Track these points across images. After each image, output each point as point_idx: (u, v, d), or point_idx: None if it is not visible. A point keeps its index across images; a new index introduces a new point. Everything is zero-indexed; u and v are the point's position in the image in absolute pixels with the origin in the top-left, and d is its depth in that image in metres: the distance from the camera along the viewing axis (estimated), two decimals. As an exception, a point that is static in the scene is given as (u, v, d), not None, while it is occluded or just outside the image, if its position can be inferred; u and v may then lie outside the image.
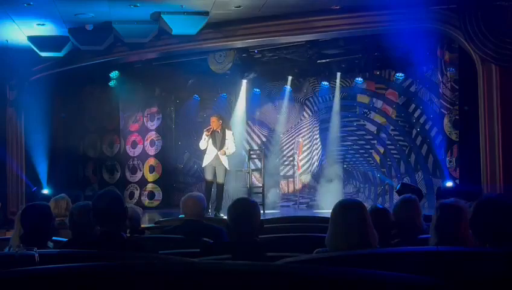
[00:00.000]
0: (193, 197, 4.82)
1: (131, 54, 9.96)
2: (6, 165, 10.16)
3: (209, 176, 9.20)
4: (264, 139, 12.38)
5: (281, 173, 12.22)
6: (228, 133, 9.19)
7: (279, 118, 12.13)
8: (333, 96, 11.56)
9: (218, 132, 9.10)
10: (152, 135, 12.98)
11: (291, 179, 12.05)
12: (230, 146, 9.16)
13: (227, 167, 9.20)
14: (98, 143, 12.94)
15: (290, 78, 11.56)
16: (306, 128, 11.99)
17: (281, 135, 12.20)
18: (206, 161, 9.17)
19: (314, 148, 11.86)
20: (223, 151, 9.04)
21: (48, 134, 10.75)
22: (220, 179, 9.16)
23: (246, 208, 3.35)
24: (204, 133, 9.11)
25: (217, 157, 9.07)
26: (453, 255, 2.53)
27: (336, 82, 11.43)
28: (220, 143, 9.08)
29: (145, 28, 8.40)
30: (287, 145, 12.19)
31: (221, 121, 9.18)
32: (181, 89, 12.62)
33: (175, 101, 12.98)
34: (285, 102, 11.92)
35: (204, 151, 9.24)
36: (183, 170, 12.82)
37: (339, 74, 11.15)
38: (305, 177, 11.93)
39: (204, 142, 9.11)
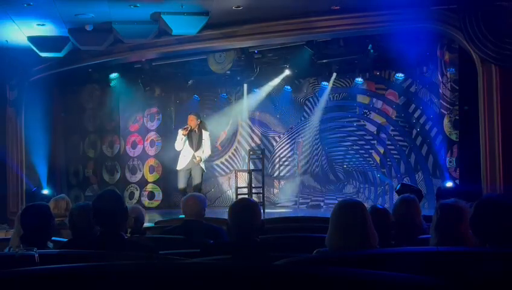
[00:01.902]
0: (194, 197, 4.83)
1: (131, 54, 9.95)
2: (6, 165, 10.15)
3: (182, 184, 8.95)
4: (264, 139, 12.38)
5: (281, 173, 12.22)
6: (205, 133, 8.99)
7: (279, 117, 12.13)
8: (333, 97, 11.56)
9: (195, 131, 8.91)
10: (152, 135, 12.98)
11: (291, 179, 12.04)
12: (206, 148, 8.94)
13: (204, 168, 8.99)
14: (98, 143, 12.94)
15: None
16: (306, 128, 11.99)
17: (281, 135, 12.20)
18: (182, 163, 8.91)
19: (314, 148, 11.87)
20: (198, 158, 8.80)
21: (48, 134, 10.75)
22: (196, 180, 8.88)
23: (247, 208, 3.35)
24: (181, 132, 8.86)
25: (193, 158, 8.86)
26: (453, 255, 2.53)
27: (335, 82, 11.43)
28: (196, 143, 8.88)
29: (145, 28, 8.38)
30: (287, 145, 12.19)
31: (199, 120, 8.99)
32: (181, 89, 12.62)
33: (175, 101, 12.98)
34: (285, 102, 11.91)
35: (179, 152, 9.00)
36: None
37: (334, 74, 11.12)
38: (305, 177, 11.93)
39: (181, 142, 8.87)
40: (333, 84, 11.52)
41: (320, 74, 11.52)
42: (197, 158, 8.85)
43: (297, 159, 11.81)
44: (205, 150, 8.96)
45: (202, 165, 8.96)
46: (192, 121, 8.91)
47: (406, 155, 10.83)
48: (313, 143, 11.89)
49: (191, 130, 8.89)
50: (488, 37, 7.43)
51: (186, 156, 8.90)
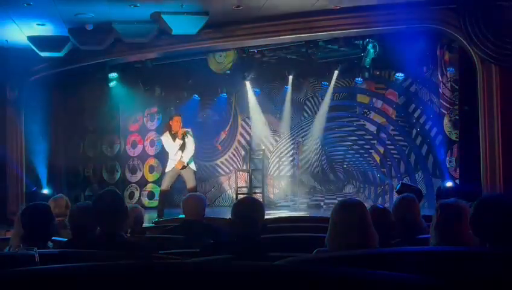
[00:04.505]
0: (193, 197, 4.84)
1: (131, 54, 9.96)
2: (6, 165, 10.15)
3: (165, 185, 8.78)
4: (264, 139, 12.37)
5: (281, 173, 12.21)
6: (185, 131, 8.74)
7: (279, 117, 12.12)
8: (333, 96, 11.53)
9: (177, 132, 8.68)
10: (152, 135, 12.97)
11: (291, 179, 12.04)
12: (189, 146, 8.70)
13: (194, 168, 8.84)
14: (98, 143, 12.94)
15: (290, 78, 11.54)
16: (306, 128, 11.98)
17: (281, 135, 12.19)
18: (171, 165, 8.72)
19: (314, 148, 11.86)
20: (181, 163, 8.61)
21: (48, 134, 10.75)
22: (190, 184, 8.66)
23: (252, 207, 3.36)
24: (176, 140, 8.58)
25: (181, 161, 8.68)
26: (453, 255, 2.53)
27: (336, 82, 11.42)
28: (182, 144, 8.68)
29: (145, 28, 8.39)
30: (286, 145, 12.19)
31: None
32: (181, 89, 12.62)
33: (175, 101, 12.98)
34: (285, 102, 11.90)
35: (167, 156, 8.83)
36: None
37: (335, 73, 11.09)
38: (305, 177, 11.92)
39: (176, 145, 8.61)
40: (333, 84, 11.50)
41: (320, 73, 11.51)
42: (179, 164, 8.65)
43: (297, 159, 11.80)
44: (188, 148, 8.69)
45: (192, 166, 8.81)
46: (179, 123, 8.70)
47: (406, 155, 10.83)
48: (313, 143, 11.89)
49: (176, 133, 8.68)
50: (488, 37, 7.43)
51: (174, 159, 8.73)
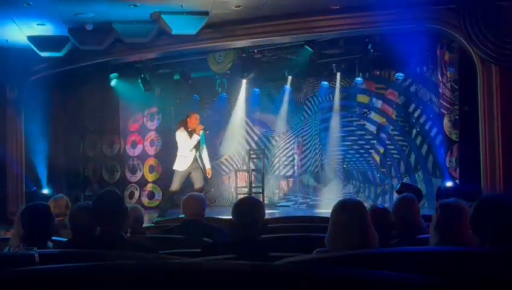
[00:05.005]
0: (193, 197, 4.83)
1: (131, 54, 9.96)
2: (6, 165, 10.15)
3: (176, 186, 8.58)
4: (264, 139, 12.38)
5: (281, 173, 12.21)
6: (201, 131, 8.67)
7: (279, 117, 12.12)
8: (333, 96, 11.55)
9: (194, 130, 8.55)
10: (152, 135, 12.98)
11: (291, 179, 12.04)
12: (204, 148, 8.68)
13: (207, 166, 8.68)
14: (98, 143, 12.94)
15: (289, 78, 11.55)
16: (306, 128, 11.99)
17: (281, 135, 12.20)
18: (184, 164, 8.52)
19: (314, 148, 11.86)
20: (209, 171, 8.63)
21: (48, 134, 10.75)
22: (198, 184, 8.51)
23: (252, 207, 3.36)
24: (194, 136, 8.47)
25: (195, 160, 8.57)
26: (453, 255, 2.53)
27: (336, 82, 11.42)
28: (199, 141, 8.58)
29: (145, 28, 8.39)
30: (287, 145, 12.19)
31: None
32: (181, 89, 12.62)
33: (175, 101, 12.98)
34: (285, 102, 11.90)
35: (175, 153, 8.70)
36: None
37: (338, 74, 11.12)
38: (305, 177, 11.93)
39: (192, 141, 8.48)
40: (333, 84, 11.50)
41: (320, 73, 11.51)
42: (209, 173, 8.71)
43: (297, 159, 11.80)
44: (204, 150, 8.69)
45: (203, 164, 8.73)
46: (197, 120, 8.64)
47: (406, 155, 10.83)
48: (313, 143, 11.89)
49: (194, 130, 8.61)
50: (488, 37, 7.44)
51: (188, 157, 8.58)
